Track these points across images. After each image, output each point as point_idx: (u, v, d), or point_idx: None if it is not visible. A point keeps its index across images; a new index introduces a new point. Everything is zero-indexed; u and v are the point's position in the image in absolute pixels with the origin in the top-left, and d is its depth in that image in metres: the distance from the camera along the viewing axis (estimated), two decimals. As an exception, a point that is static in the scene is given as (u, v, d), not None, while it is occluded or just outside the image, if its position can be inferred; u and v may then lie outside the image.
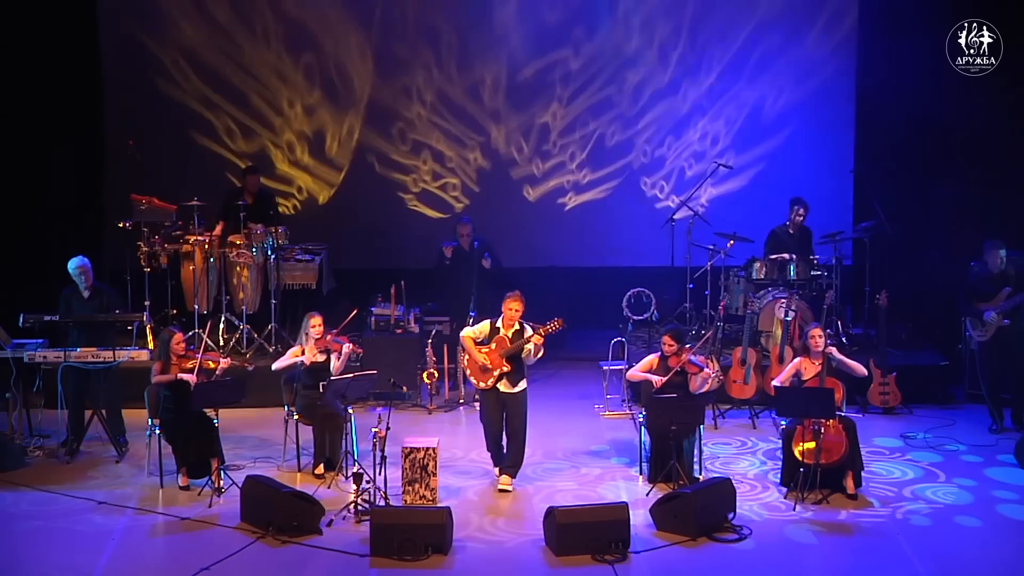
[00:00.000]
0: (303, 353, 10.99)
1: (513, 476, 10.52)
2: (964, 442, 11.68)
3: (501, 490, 10.42)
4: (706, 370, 10.65)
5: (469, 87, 15.08)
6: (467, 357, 10.63)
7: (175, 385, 10.54)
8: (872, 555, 9.26)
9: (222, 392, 10.55)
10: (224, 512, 9.95)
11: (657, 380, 10.60)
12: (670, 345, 10.67)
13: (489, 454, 10.73)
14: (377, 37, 14.95)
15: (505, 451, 10.57)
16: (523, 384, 10.52)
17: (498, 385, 10.45)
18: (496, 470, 10.60)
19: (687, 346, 10.86)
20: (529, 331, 10.44)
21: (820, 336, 10.54)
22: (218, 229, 13.50)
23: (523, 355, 10.42)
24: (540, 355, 10.52)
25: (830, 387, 10.40)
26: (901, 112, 14.33)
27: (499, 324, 10.52)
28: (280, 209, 14.51)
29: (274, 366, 11.15)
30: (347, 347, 10.98)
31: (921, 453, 11.42)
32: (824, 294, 12.92)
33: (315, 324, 10.99)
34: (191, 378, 10.49)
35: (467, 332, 10.64)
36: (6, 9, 13.81)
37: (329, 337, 10.98)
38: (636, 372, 10.87)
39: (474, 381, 10.67)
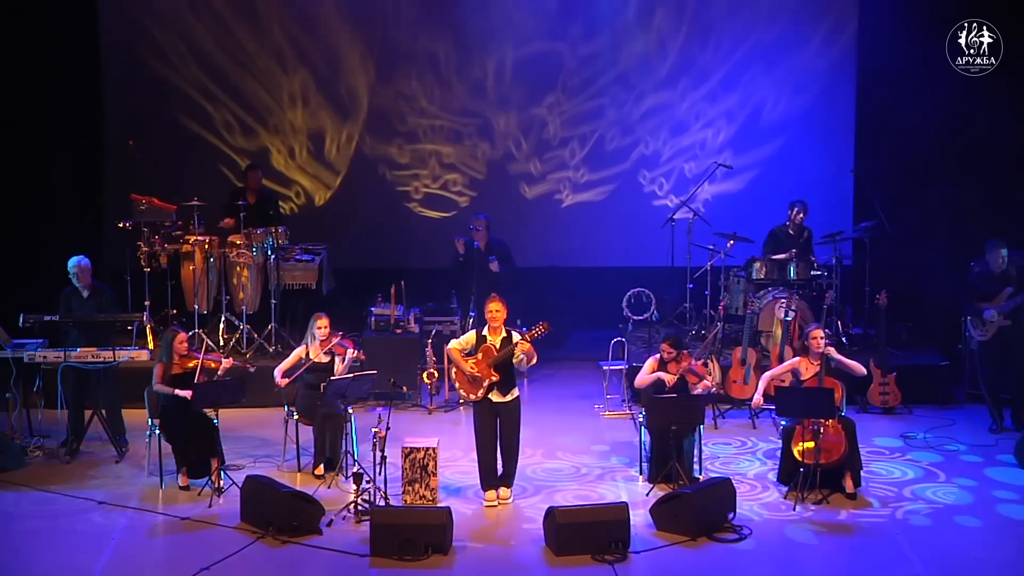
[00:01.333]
0: (307, 353, 10.99)
1: (510, 486, 10.36)
2: (964, 442, 11.68)
3: (500, 502, 10.24)
4: (705, 381, 10.67)
5: (469, 88, 15.06)
6: (454, 370, 10.39)
7: (176, 385, 10.53)
8: (872, 555, 9.27)
9: (222, 392, 10.55)
10: (224, 512, 9.95)
11: (669, 378, 10.58)
12: (669, 352, 10.67)
13: (479, 474, 10.34)
14: (378, 39, 14.94)
15: (500, 464, 10.33)
16: (515, 392, 10.27)
17: (489, 395, 10.20)
18: (488, 494, 10.24)
19: (686, 352, 10.85)
20: (516, 337, 10.17)
21: (820, 337, 10.53)
22: (229, 221, 13.46)
23: (515, 362, 10.20)
24: (534, 361, 10.36)
25: (829, 387, 10.40)
26: (901, 112, 14.32)
27: (485, 332, 10.28)
28: (280, 209, 14.53)
29: (276, 372, 11.07)
30: (351, 352, 10.97)
31: (921, 453, 11.42)
32: (824, 294, 12.92)
33: (321, 326, 10.99)
34: (187, 394, 10.43)
35: (453, 344, 10.38)
36: (5, 8, 13.81)
37: (335, 339, 10.98)
38: (643, 377, 10.82)
39: (463, 394, 10.45)
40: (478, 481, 10.49)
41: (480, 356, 10.20)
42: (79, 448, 11.33)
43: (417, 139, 15.17)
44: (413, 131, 15.15)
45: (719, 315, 12.86)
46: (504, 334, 10.22)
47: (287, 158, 15.15)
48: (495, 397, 10.20)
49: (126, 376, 11.60)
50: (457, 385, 10.50)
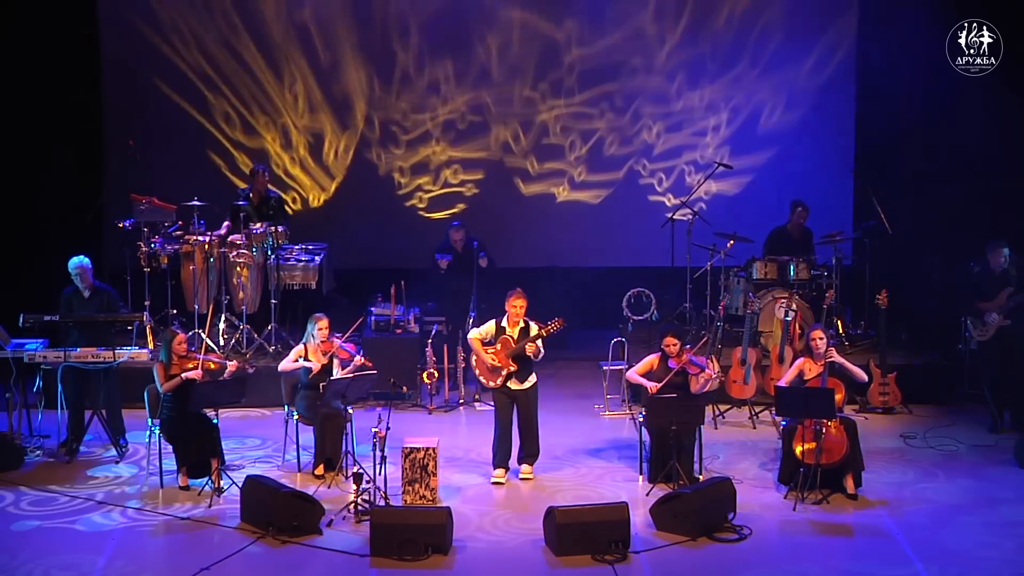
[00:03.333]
0: (306, 353, 10.99)
1: (532, 464, 10.70)
2: (964, 442, 11.68)
3: (523, 477, 10.58)
4: (707, 371, 10.66)
5: (469, 89, 15.05)
6: (475, 358, 10.72)
7: (175, 387, 10.53)
8: (872, 555, 9.26)
9: (222, 392, 10.55)
10: (224, 512, 9.95)
11: (652, 387, 10.61)
12: (674, 345, 10.68)
13: (492, 453, 10.72)
14: (379, 40, 14.95)
15: (520, 443, 10.71)
16: (532, 379, 10.65)
17: (508, 383, 10.57)
18: (496, 471, 10.62)
19: (687, 346, 10.87)
20: (535, 329, 10.53)
21: (821, 339, 10.54)
22: (223, 231, 13.45)
23: (528, 353, 10.53)
24: (540, 356, 10.60)
25: (831, 388, 10.40)
26: (901, 112, 14.33)
27: (504, 323, 10.60)
28: (284, 210, 14.56)
29: (280, 367, 11.11)
30: (358, 358, 10.95)
31: (921, 453, 11.42)
32: (824, 294, 12.92)
33: (322, 327, 10.98)
34: (197, 374, 10.47)
35: (474, 334, 10.74)
36: (4, 8, 13.80)
37: (336, 343, 10.96)
38: (635, 375, 10.86)
39: (483, 381, 10.76)
40: (478, 480, 10.61)
41: (499, 347, 10.56)
42: (79, 448, 11.33)
43: (417, 140, 15.18)
44: (413, 131, 15.16)
45: (719, 315, 12.86)
46: (522, 324, 10.57)
47: (288, 158, 15.15)
48: (513, 385, 10.60)
49: (126, 376, 11.59)
50: (477, 372, 10.80)
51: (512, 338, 10.55)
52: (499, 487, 10.53)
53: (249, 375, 11.31)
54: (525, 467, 10.71)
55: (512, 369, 10.53)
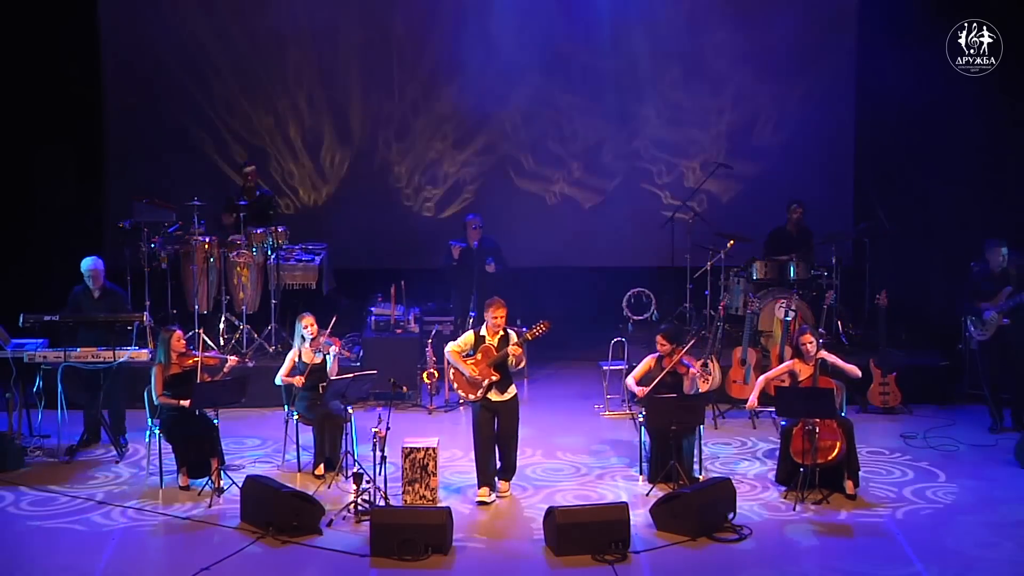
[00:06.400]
0: (299, 355, 10.96)
1: (509, 480, 10.44)
2: (964, 442, 11.68)
3: (499, 495, 10.33)
4: (692, 369, 10.65)
5: (470, 87, 15.03)
6: (453, 371, 10.43)
7: (176, 385, 10.54)
8: (872, 555, 9.26)
9: (222, 392, 10.55)
10: (224, 512, 9.95)
11: (641, 391, 10.63)
12: (663, 345, 10.69)
13: (475, 469, 10.38)
14: (380, 40, 14.96)
15: (499, 458, 10.39)
16: (513, 390, 10.33)
17: (488, 395, 10.27)
18: (481, 490, 10.27)
19: (680, 347, 10.83)
20: (514, 337, 10.25)
21: (811, 342, 10.54)
22: (228, 218, 13.47)
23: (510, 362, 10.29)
24: (522, 364, 10.43)
25: (829, 388, 10.40)
26: (901, 112, 14.33)
27: (483, 333, 10.33)
28: (280, 209, 14.56)
29: (278, 380, 11.03)
30: (333, 348, 10.92)
31: (921, 453, 11.42)
32: (824, 294, 12.92)
33: (307, 324, 10.96)
34: (187, 404, 10.44)
35: (452, 346, 10.41)
36: (4, 6, 13.80)
37: (321, 339, 10.97)
38: (631, 382, 10.85)
39: (463, 395, 10.45)
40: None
41: (479, 356, 10.27)
42: (78, 449, 11.33)
43: (417, 139, 15.17)
44: (413, 131, 15.15)
45: (719, 315, 12.87)
46: (502, 333, 10.30)
47: (288, 158, 15.15)
48: (494, 396, 10.27)
49: (127, 376, 11.58)
50: (456, 386, 10.54)
51: (493, 347, 10.22)
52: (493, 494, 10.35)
53: (249, 372, 11.29)
54: (502, 484, 10.36)
55: (494, 379, 10.20)
